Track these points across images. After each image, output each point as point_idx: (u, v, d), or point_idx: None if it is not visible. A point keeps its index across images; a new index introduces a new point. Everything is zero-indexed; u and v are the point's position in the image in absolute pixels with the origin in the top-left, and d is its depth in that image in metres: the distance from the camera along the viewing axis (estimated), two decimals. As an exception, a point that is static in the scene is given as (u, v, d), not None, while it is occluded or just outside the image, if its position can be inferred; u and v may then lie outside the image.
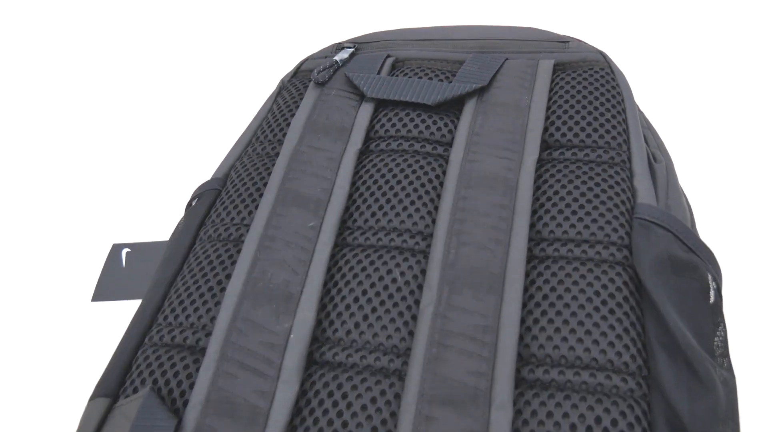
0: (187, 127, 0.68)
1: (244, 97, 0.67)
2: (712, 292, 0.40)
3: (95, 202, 0.62)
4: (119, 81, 0.75)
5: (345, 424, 0.35)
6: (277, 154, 0.50)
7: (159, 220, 0.59)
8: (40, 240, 0.60)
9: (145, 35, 0.80)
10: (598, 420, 0.33)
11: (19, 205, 0.63)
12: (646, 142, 0.48)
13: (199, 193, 0.50)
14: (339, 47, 0.58)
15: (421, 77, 0.52)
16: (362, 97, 0.51)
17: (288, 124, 0.52)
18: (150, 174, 0.64)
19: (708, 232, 0.47)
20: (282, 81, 0.58)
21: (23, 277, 0.57)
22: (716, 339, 0.39)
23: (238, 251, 0.44)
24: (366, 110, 0.50)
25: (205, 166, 0.58)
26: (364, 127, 0.49)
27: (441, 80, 0.51)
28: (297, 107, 0.53)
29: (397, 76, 0.53)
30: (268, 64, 0.71)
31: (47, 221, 0.61)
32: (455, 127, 0.48)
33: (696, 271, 0.39)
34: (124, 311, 0.52)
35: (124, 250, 0.56)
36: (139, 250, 0.56)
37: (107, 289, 0.53)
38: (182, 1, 0.83)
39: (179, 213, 0.54)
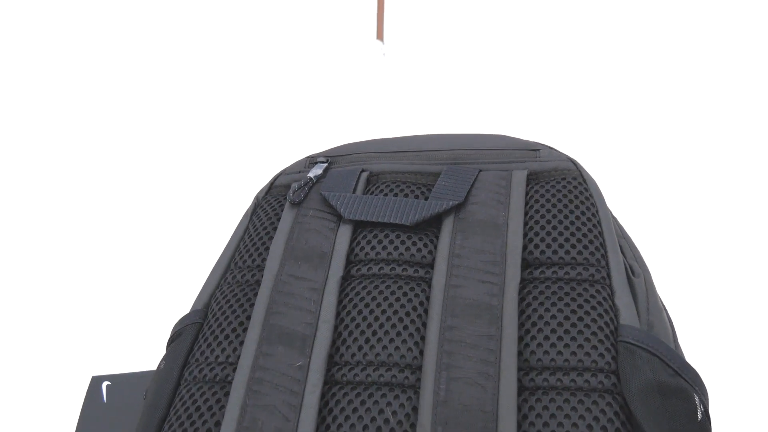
0: (165, 243, 0.67)
1: (219, 213, 0.67)
2: (699, 414, 0.40)
3: (72, 334, 0.60)
4: (100, 197, 0.74)
5: None
6: (258, 282, 0.49)
7: (139, 348, 0.57)
8: (18, 375, 0.58)
9: (123, 146, 0.79)
10: None
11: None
12: (623, 253, 0.49)
13: (179, 330, 0.49)
14: (312, 161, 0.58)
15: (396, 194, 0.52)
16: (339, 217, 0.51)
17: (266, 249, 0.51)
18: (129, 301, 0.63)
19: (690, 345, 0.48)
20: (257, 198, 0.58)
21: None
22: (708, 463, 0.39)
23: (226, 394, 0.43)
24: (345, 233, 0.50)
25: (183, 284, 0.58)
26: (344, 252, 0.49)
27: (417, 196, 0.52)
28: (274, 229, 0.53)
29: (372, 192, 0.53)
30: (241, 177, 0.70)
31: (23, 355, 0.59)
32: (435, 247, 0.49)
33: (683, 394, 0.40)
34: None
35: (105, 383, 0.54)
36: (120, 382, 0.54)
37: (88, 428, 0.52)
38: (161, 117, 0.83)
39: (158, 337, 0.53)
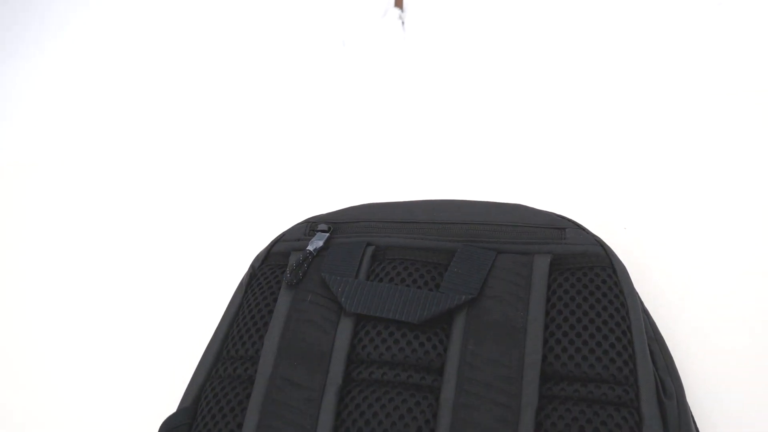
0: (152, 316, 0.62)
1: (215, 279, 0.61)
2: None
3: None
4: (83, 272, 0.68)
5: None
6: (250, 379, 0.45)
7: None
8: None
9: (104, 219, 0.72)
10: None
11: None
12: (654, 362, 0.43)
13: (167, 431, 0.45)
14: (313, 228, 0.53)
15: (404, 278, 0.47)
16: (341, 307, 0.46)
17: (260, 336, 0.47)
18: (115, 383, 0.58)
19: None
20: (252, 267, 0.53)
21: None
22: None
23: None
24: (345, 328, 0.45)
25: (172, 369, 0.53)
26: (344, 352, 0.44)
27: (427, 282, 0.47)
28: (269, 312, 0.48)
29: (378, 274, 0.48)
30: (239, 242, 0.63)
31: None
32: (444, 350, 0.44)
33: None
34: None
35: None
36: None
37: None
38: (133, 161, 0.76)
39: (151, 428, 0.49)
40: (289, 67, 1.23)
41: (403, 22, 1.35)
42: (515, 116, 0.67)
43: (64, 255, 0.70)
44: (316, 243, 0.50)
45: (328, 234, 0.51)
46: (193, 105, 1.31)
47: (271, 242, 0.54)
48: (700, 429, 0.43)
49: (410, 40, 1.24)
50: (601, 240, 0.48)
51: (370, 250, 0.50)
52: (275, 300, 0.49)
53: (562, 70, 1.04)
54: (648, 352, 0.43)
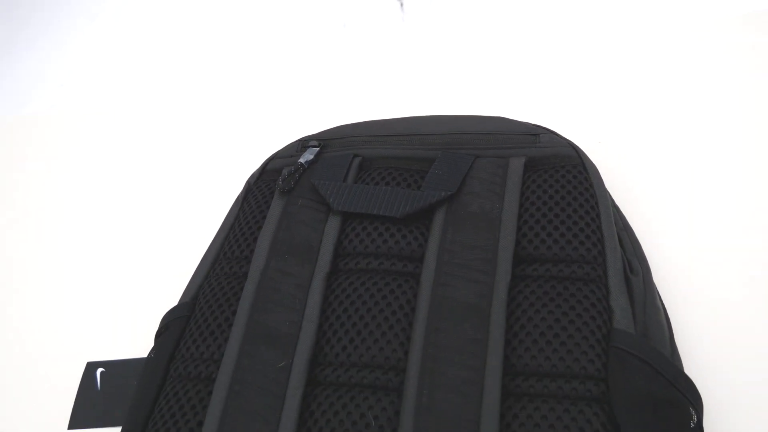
0: (157, 227, 0.67)
1: (211, 196, 0.65)
2: (691, 423, 0.39)
3: (67, 320, 0.61)
4: (92, 200, 0.73)
5: None
6: (245, 275, 0.48)
7: (132, 335, 0.58)
8: (13, 360, 0.59)
9: (116, 134, 0.78)
10: None
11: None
12: (622, 247, 0.46)
13: (167, 323, 0.49)
14: (304, 145, 0.56)
15: (388, 182, 0.50)
16: (329, 208, 0.49)
17: (254, 239, 0.50)
18: (121, 285, 0.63)
19: (687, 347, 0.46)
20: (248, 183, 0.56)
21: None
22: (698, 474, 0.38)
23: (209, 393, 0.43)
24: (333, 225, 0.48)
25: (175, 270, 0.57)
26: (331, 245, 0.47)
27: (410, 184, 0.50)
28: (263, 218, 0.51)
29: (364, 180, 0.51)
30: (234, 155, 0.69)
31: (19, 342, 0.60)
32: (425, 241, 0.47)
33: (676, 405, 0.38)
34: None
35: (99, 370, 0.55)
36: (114, 369, 0.55)
37: (83, 414, 0.52)
38: (142, 97, 0.81)
39: (151, 323, 0.52)
40: (290, 48, 1.26)
41: (401, 4, 1.39)
42: (504, 49, 0.70)
43: (78, 180, 0.75)
44: (307, 156, 0.54)
45: (318, 149, 0.55)
46: (193, 47, 1.33)
47: (266, 160, 0.57)
48: (668, 311, 0.46)
49: (409, 21, 1.27)
50: (574, 143, 0.51)
51: (357, 160, 0.53)
52: (269, 207, 0.52)
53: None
54: (616, 236, 0.45)
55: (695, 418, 0.39)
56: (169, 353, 0.46)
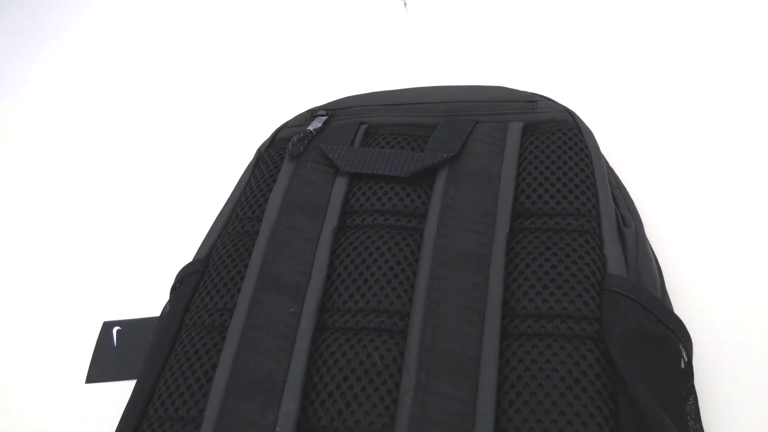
0: (170, 196, 0.70)
1: (222, 165, 0.69)
2: (682, 362, 0.41)
3: (84, 282, 0.63)
4: (106, 154, 0.76)
5: None
6: (257, 233, 0.51)
7: (147, 296, 0.60)
8: (31, 319, 0.61)
9: (125, 102, 0.81)
10: None
11: (6, 284, 0.65)
12: (616, 203, 0.49)
13: (182, 277, 0.51)
14: (312, 115, 0.59)
15: (393, 146, 0.53)
16: (336, 170, 0.52)
17: (266, 200, 0.53)
18: (136, 248, 0.65)
19: (678, 294, 0.48)
20: (259, 151, 0.59)
21: (16, 359, 0.58)
22: (688, 408, 0.40)
23: (223, 338, 0.45)
24: (340, 185, 0.51)
25: (188, 235, 0.60)
26: (339, 203, 0.50)
27: (413, 148, 0.52)
28: (274, 181, 0.54)
29: (370, 145, 0.53)
30: (245, 130, 0.72)
31: (36, 301, 0.63)
32: (428, 198, 0.49)
33: (666, 342, 0.40)
34: (118, 392, 0.53)
35: (115, 329, 0.57)
36: (129, 327, 0.57)
37: (100, 370, 0.55)
38: (160, 74, 0.84)
39: (165, 285, 0.55)
40: (297, 45, 1.29)
41: (405, 3, 1.41)
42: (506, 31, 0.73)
43: (101, 146, 0.79)
44: (315, 125, 0.56)
45: (326, 117, 0.57)
46: (212, 31, 1.34)
47: (276, 130, 0.60)
48: (659, 261, 0.48)
49: (412, 21, 1.31)
50: (570, 109, 0.53)
51: (363, 127, 0.55)
52: (279, 172, 0.54)
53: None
54: (609, 192, 0.48)
55: (685, 356, 0.41)
56: (184, 305, 0.49)
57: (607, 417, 0.37)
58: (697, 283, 0.49)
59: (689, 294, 0.48)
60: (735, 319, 0.47)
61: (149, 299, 0.59)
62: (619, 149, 0.58)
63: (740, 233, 0.52)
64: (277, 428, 0.40)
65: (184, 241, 0.59)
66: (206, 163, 0.72)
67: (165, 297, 0.54)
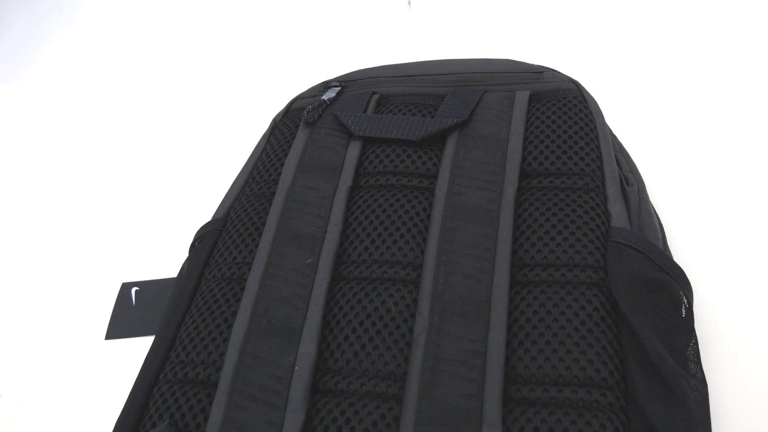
0: (187, 165, 0.72)
1: (240, 135, 0.71)
2: (683, 308, 0.43)
3: (103, 245, 0.65)
4: (124, 125, 0.79)
5: None
6: (273, 194, 0.53)
7: (164, 259, 0.62)
8: (53, 281, 0.63)
9: (147, 79, 0.84)
10: None
11: (30, 250, 0.67)
12: (619, 165, 0.51)
13: (201, 235, 0.53)
14: (326, 86, 0.61)
15: (405, 113, 0.55)
16: (350, 135, 0.54)
17: (281, 164, 0.55)
18: (154, 214, 0.67)
19: (679, 249, 0.50)
20: (274, 121, 0.61)
21: (39, 318, 0.60)
22: (689, 351, 0.42)
23: (242, 289, 0.47)
24: (354, 148, 0.53)
25: (204, 203, 0.61)
26: (353, 165, 0.52)
27: (424, 115, 0.54)
28: (289, 147, 0.56)
29: (382, 113, 0.56)
30: (261, 103, 0.74)
31: (57, 265, 0.64)
32: (439, 161, 0.51)
33: (668, 288, 0.42)
34: (137, 348, 0.55)
35: (134, 289, 0.59)
36: (147, 288, 0.59)
37: (119, 327, 0.56)
38: (178, 45, 0.87)
39: (183, 250, 0.57)
40: (312, 20, 1.29)
41: (409, 2, 1.44)
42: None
43: (124, 111, 0.82)
44: (329, 94, 0.59)
45: (339, 88, 0.60)
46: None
47: (290, 101, 0.62)
48: (661, 220, 0.50)
49: (416, 18, 1.33)
50: (575, 79, 0.55)
51: (375, 97, 0.57)
52: (294, 138, 0.56)
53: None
54: (612, 153, 0.50)
55: (686, 302, 0.43)
56: (204, 260, 0.51)
57: (611, 356, 0.39)
58: (696, 239, 0.52)
59: (690, 249, 0.51)
60: (733, 271, 0.50)
61: (167, 262, 0.61)
62: (622, 119, 0.61)
63: (737, 193, 0.55)
64: (296, 368, 0.42)
65: (201, 206, 0.61)
66: (223, 132, 0.75)
67: (182, 260, 0.56)
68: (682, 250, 0.51)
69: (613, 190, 0.47)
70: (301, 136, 0.55)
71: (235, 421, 0.40)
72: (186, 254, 0.56)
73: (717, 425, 0.43)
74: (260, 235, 0.50)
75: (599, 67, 0.68)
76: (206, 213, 0.58)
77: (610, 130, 0.54)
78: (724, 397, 0.45)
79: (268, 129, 0.60)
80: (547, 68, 0.57)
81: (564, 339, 0.40)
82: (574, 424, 0.37)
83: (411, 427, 0.38)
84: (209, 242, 0.52)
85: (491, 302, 0.42)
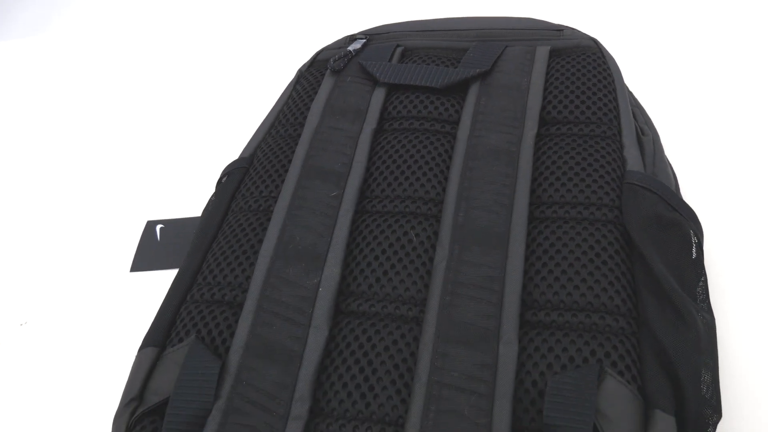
0: (214, 114, 0.74)
1: (264, 86, 0.73)
2: (694, 248, 0.44)
3: (130, 184, 0.67)
4: (153, 73, 0.82)
5: (370, 363, 0.40)
6: (299, 135, 0.54)
7: (190, 199, 0.63)
8: (80, 220, 0.65)
9: (179, 30, 0.87)
10: (593, 353, 0.38)
11: (59, 189, 0.69)
12: (635, 118, 0.52)
13: (229, 171, 0.55)
14: (352, 39, 0.63)
15: (428, 64, 0.56)
16: (375, 82, 0.56)
17: (308, 108, 0.56)
18: (180, 156, 0.69)
19: (691, 198, 0.52)
20: (300, 71, 0.62)
21: (67, 254, 0.62)
22: (698, 288, 0.43)
23: (268, 219, 0.49)
24: (379, 94, 0.55)
25: (231, 148, 0.63)
26: (378, 109, 0.53)
27: (447, 66, 0.56)
28: (315, 93, 0.57)
29: (406, 63, 0.57)
30: (286, 57, 0.76)
31: (85, 204, 0.66)
32: (461, 108, 0.53)
33: (679, 227, 0.44)
34: (161, 280, 0.57)
35: (158, 226, 0.60)
36: (172, 225, 0.60)
37: (144, 260, 0.58)
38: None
39: (208, 191, 0.58)
40: None
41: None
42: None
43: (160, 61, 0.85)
44: (354, 45, 0.60)
45: (365, 40, 0.61)
46: None
47: (316, 52, 0.64)
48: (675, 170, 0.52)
49: None
50: (594, 37, 0.57)
51: (399, 49, 0.59)
52: (320, 86, 0.58)
53: None
54: (629, 106, 0.52)
55: (696, 240, 0.45)
56: (231, 194, 0.52)
57: (624, 285, 0.41)
58: (709, 188, 0.54)
59: (702, 196, 0.53)
60: (743, 220, 0.52)
61: (191, 203, 0.62)
62: (639, 78, 0.63)
63: (747, 149, 0.57)
64: (320, 289, 0.43)
65: (226, 150, 0.63)
66: (249, 80, 0.78)
67: (206, 201, 0.58)
68: (695, 200, 0.52)
69: (628, 138, 0.49)
70: (328, 82, 0.57)
71: (261, 336, 0.42)
72: (209, 194, 0.58)
73: (723, 360, 0.45)
74: (286, 171, 0.51)
75: (619, 29, 0.70)
76: (231, 156, 0.60)
77: (627, 86, 0.56)
78: (731, 335, 0.46)
79: (293, 78, 0.62)
80: (567, 27, 0.59)
81: (579, 269, 0.41)
82: (587, 345, 0.38)
83: (430, 343, 0.39)
84: (236, 178, 0.53)
85: (510, 234, 0.43)
